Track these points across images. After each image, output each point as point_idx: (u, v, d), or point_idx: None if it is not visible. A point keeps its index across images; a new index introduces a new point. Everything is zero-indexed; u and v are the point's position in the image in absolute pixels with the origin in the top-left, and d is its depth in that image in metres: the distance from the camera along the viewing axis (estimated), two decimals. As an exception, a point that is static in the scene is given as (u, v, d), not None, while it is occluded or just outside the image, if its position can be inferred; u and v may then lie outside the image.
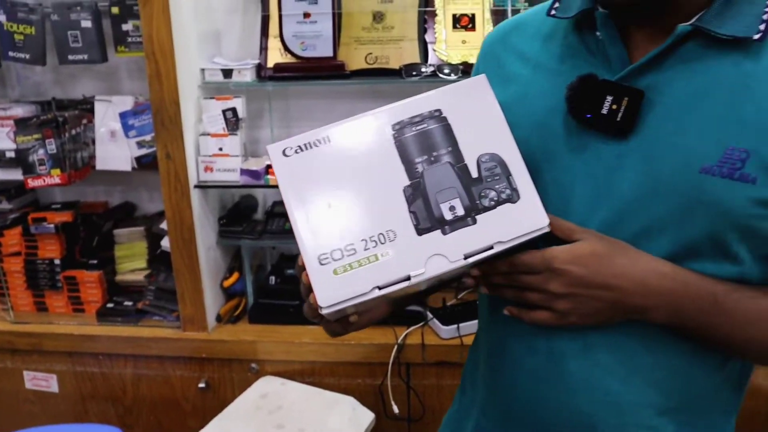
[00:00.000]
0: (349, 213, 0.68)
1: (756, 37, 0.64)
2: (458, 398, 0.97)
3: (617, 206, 0.69)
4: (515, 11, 1.68)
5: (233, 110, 1.69)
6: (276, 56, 1.76)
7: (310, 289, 0.68)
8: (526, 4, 1.70)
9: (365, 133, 0.71)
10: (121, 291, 1.93)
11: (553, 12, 0.76)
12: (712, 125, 0.66)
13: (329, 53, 1.70)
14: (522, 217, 0.68)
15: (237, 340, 1.76)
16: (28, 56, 1.75)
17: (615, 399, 0.73)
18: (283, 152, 0.70)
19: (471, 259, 0.67)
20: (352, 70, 1.73)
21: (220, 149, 1.70)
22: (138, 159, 1.77)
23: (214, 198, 1.83)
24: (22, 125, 1.75)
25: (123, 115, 1.74)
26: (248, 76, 1.72)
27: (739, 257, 0.68)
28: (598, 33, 0.72)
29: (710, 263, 0.68)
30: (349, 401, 1.59)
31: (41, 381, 1.89)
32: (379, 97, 1.70)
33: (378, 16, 1.75)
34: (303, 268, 0.68)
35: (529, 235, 0.68)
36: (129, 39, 1.74)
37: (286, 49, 1.71)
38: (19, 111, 1.84)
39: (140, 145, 1.76)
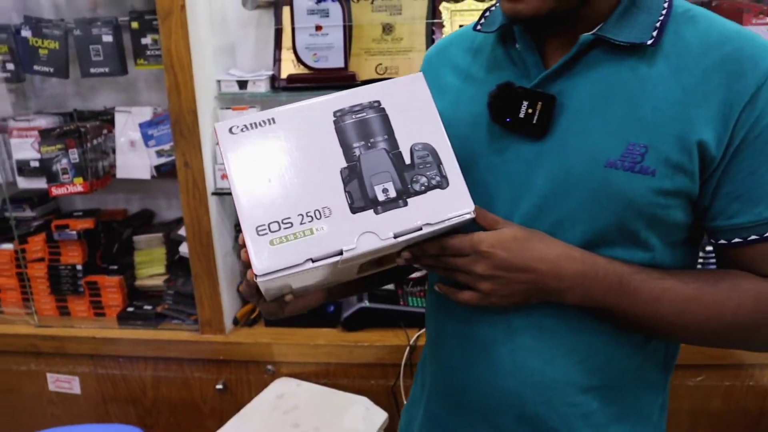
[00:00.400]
0: (288, 188, 0.71)
1: (649, 42, 0.72)
2: (412, 390, 1.04)
3: (535, 200, 0.76)
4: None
5: (249, 120, 1.75)
6: (289, 67, 1.81)
7: (247, 267, 0.71)
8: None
9: (308, 117, 0.75)
10: (141, 295, 1.99)
11: (479, 27, 0.84)
12: (614, 124, 0.73)
13: (340, 64, 1.76)
14: (450, 202, 0.72)
15: (253, 342, 1.81)
16: (51, 69, 1.82)
17: (540, 378, 0.80)
18: (230, 130, 0.74)
19: (401, 239, 0.71)
20: (363, 80, 1.78)
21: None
22: (157, 167, 1.83)
23: (231, 205, 1.88)
24: (45, 136, 1.81)
25: (143, 126, 1.81)
26: (263, 87, 1.78)
27: (649, 244, 0.75)
28: (517, 45, 0.79)
29: (622, 250, 0.75)
30: (363, 401, 1.63)
31: (64, 383, 1.96)
32: (389, 106, 1.76)
33: (387, 28, 1.80)
34: (243, 246, 0.72)
35: (455, 219, 0.72)
36: (148, 52, 1.81)
37: (299, 60, 1.77)
38: (42, 122, 1.91)
39: (159, 154, 1.83)
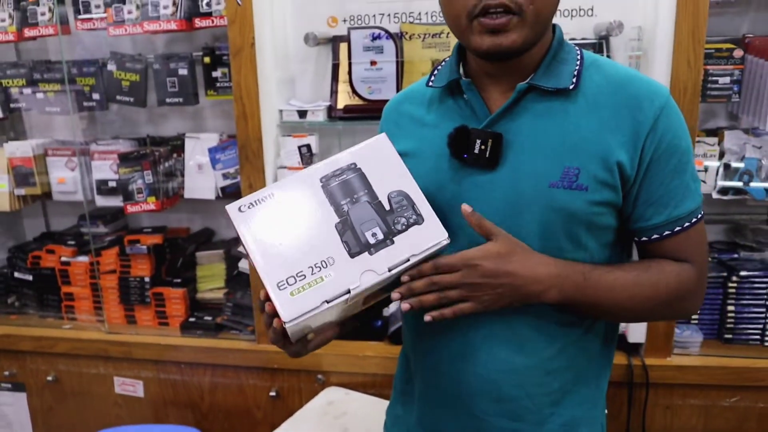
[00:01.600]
0: (296, 247, 0.86)
1: (571, 87, 0.93)
2: (394, 402, 1.18)
3: (495, 220, 0.91)
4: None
5: (308, 146, 1.91)
6: (345, 98, 1.97)
7: (271, 318, 0.87)
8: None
9: (300, 186, 0.90)
10: (202, 307, 2.15)
11: (430, 83, 1.03)
12: (552, 152, 0.92)
13: (393, 96, 1.91)
14: (428, 235, 0.88)
15: (305, 353, 1.94)
16: (132, 99, 2.02)
17: (512, 366, 0.97)
18: (239, 209, 0.89)
19: (394, 271, 0.86)
20: (413, 112, 1.93)
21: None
22: (222, 189, 2.00)
23: (287, 224, 2.04)
24: (124, 158, 2.01)
25: (211, 150, 1.98)
26: (320, 116, 1.94)
27: (589, 246, 0.95)
28: (465, 95, 0.97)
29: (568, 252, 0.94)
30: (408, 410, 1.74)
31: (129, 386, 2.12)
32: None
33: (436, 64, 1.95)
34: (263, 302, 0.87)
35: (435, 247, 0.88)
36: (218, 84, 1.99)
37: (355, 92, 1.93)
38: (120, 147, 2.11)
39: (225, 176, 2.00)
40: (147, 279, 2.11)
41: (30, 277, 2.24)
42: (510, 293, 0.89)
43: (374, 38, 1.88)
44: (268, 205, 0.89)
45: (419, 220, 0.89)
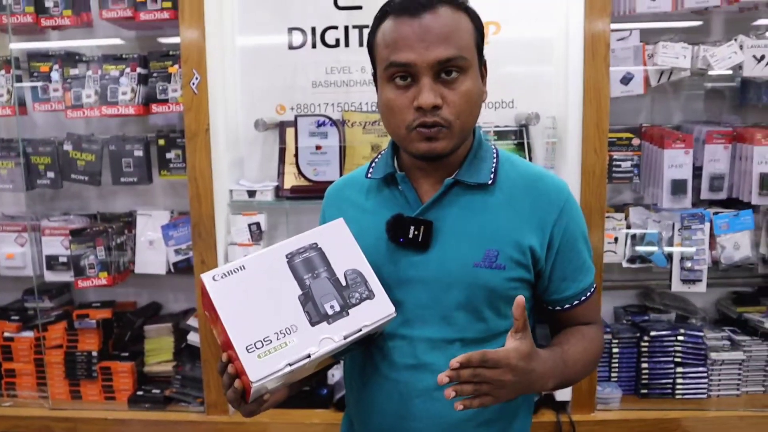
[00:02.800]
0: (263, 315, 0.96)
1: (489, 182, 1.10)
2: None
3: (429, 294, 1.08)
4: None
5: (257, 224, 2.04)
6: (291, 179, 2.13)
7: (233, 378, 0.95)
8: (495, 137, 2.11)
9: (268, 260, 1.01)
10: (150, 380, 2.18)
11: (369, 175, 1.17)
12: (475, 237, 1.07)
13: (336, 177, 2.07)
14: (378, 308, 1.01)
15: (254, 422, 1.99)
16: (86, 178, 2.10)
17: (448, 420, 1.08)
18: (213, 278, 0.98)
19: (348, 339, 0.98)
20: (356, 191, 2.10)
21: (245, 256, 2.03)
22: (174, 264, 2.09)
23: (237, 297, 2.13)
24: (76, 234, 2.07)
25: (164, 227, 2.08)
26: (269, 196, 2.08)
27: (508, 315, 1.04)
28: (399, 187, 1.12)
29: (492, 321, 1.08)
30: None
31: (72, 464, 2.10)
32: (378, 213, 2.07)
33: (375, 147, 2.14)
34: (225, 364, 0.97)
35: (384, 319, 1.01)
36: (171, 165, 2.11)
37: (301, 173, 2.09)
38: (71, 223, 2.17)
39: (177, 252, 2.09)
40: (95, 353, 2.13)
41: (-32, 354, 2.22)
42: (525, 388, 0.98)
43: (319, 125, 2.06)
44: (239, 276, 0.98)
45: (371, 295, 1.02)
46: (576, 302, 1.15)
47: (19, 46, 2.16)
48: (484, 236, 1.08)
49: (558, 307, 1.15)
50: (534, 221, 1.09)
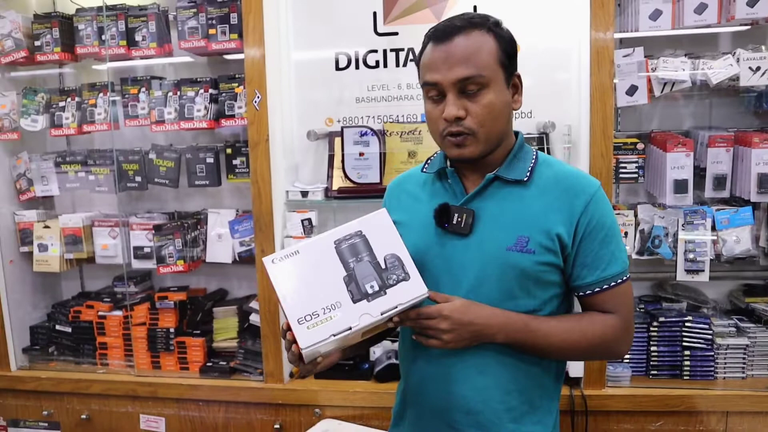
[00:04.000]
0: (312, 293, 1.10)
1: (525, 179, 1.25)
2: (392, 427, 1.45)
3: (469, 274, 1.22)
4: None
5: (309, 220, 2.37)
6: (338, 182, 2.45)
7: (291, 343, 1.11)
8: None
9: (318, 247, 1.15)
10: (217, 354, 2.54)
11: (424, 169, 1.36)
12: (509, 225, 1.22)
13: (377, 180, 2.39)
14: (412, 289, 1.14)
15: (305, 389, 2.33)
16: (167, 182, 2.50)
17: (479, 386, 1.24)
18: (272, 260, 1.13)
19: (385, 315, 1.11)
20: (393, 191, 2.40)
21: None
22: (239, 254, 2.45)
23: (291, 283, 2.46)
24: (158, 229, 2.46)
25: (231, 223, 2.44)
26: (319, 196, 2.41)
27: (537, 296, 1.23)
28: (449, 180, 1.28)
29: (522, 301, 1.23)
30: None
31: (152, 422, 2.47)
32: (412, 210, 2.37)
33: (411, 154, 2.44)
34: (285, 330, 1.13)
35: (417, 299, 1.14)
36: (237, 170, 2.47)
37: (347, 177, 2.41)
38: (154, 219, 2.56)
39: (241, 244, 2.45)
40: (172, 330, 2.50)
41: (69, 329, 2.64)
42: (468, 336, 1.17)
43: (362, 135, 2.38)
44: (293, 260, 1.14)
45: (407, 277, 1.14)
46: (597, 289, 1.24)
47: (113, 64, 2.58)
48: (516, 224, 1.21)
49: (580, 293, 1.26)
50: (562, 211, 1.21)
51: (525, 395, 1.27)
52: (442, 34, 1.20)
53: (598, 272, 1.24)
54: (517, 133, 1.31)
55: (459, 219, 1.23)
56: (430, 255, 1.25)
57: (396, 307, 1.12)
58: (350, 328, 1.10)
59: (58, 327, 2.67)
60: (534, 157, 1.29)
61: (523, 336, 1.21)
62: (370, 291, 1.12)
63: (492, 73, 1.19)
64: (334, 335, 1.09)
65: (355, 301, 1.11)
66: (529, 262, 1.20)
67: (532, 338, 1.21)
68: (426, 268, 1.21)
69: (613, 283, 1.24)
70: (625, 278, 1.26)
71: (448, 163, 1.30)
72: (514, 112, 1.28)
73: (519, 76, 1.26)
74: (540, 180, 1.26)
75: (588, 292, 1.25)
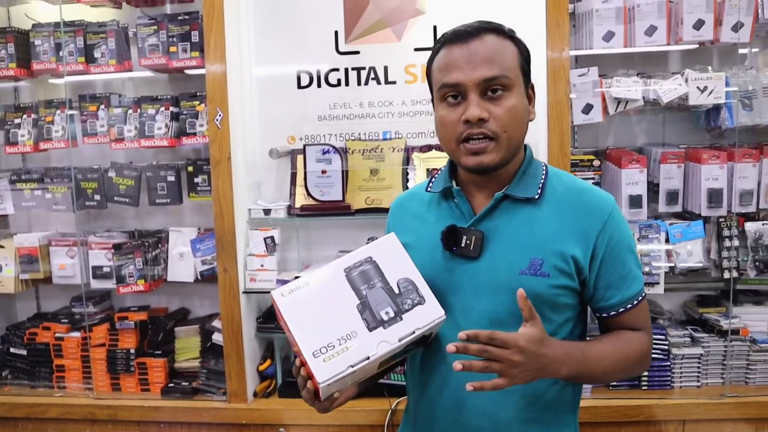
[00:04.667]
0: (326, 324, 1.06)
1: (536, 196, 1.18)
2: None
3: (480, 299, 1.15)
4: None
5: (272, 238, 2.37)
6: (301, 199, 2.45)
7: (305, 380, 1.05)
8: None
9: (328, 276, 1.11)
10: (179, 375, 2.50)
11: (429, 189, 1.29)
12: (521, 247, 1.15)
13: (339, 197, 2.40)
14: (428, 313, 1.10)
15: (270, 409, 2.31)
16: (127, 200, 2.46)
17: (494, 417, 1.17)
18: (281, 294, 1.10)
19: (403, 341, 1.06)
20: (356, 209, 2.41)
21: (262, 265, 2.35)
22: (201, 273, 2.43)
23: (255, 301, 2.46)
24: (118, 248, 2.42)
25: (193, 241, 2.42)
26: (282, 214, 2.41)
27: (552, 320, 1.17)
28: (456, 200, 1.22)
29: None
30: (354, 451, 2.10)
31: (113, 447, 2.42)
32: (375, 228, 2.39)
33: (374, 171, 2.46)
34: (299, 368, 1.06)
35: (435, 322, 1.09)
36: (198, 188, 2.46)
37: (309, 194, 2.41)
38: (113, 238, 2.52)
39: (203, 262, 2.43)
40: (132, 351, 2.46)
41: (24, 352, 2.56)
42: (538, 372, 1.04)
43: (324, 152, 2.40)
44: (303, 292, 1.10)
45: (422, 300, 1.10)
46: (622, 309, 1.19)
47: (71, 79, 2.54)
48: (529, 246, 1.14)
49: (605, 314, 1.21)
50: (578, 232, 1.15)
51: (542, 423, 1.21)
52: (462, 35, 1.14)
53: (623, 292, 1.20)
54: (525, 147, 1.24)
55: (468, 241, 1.16)
56: (438, 279, 1.18)
57: (414, 333, 1.08)
58: (368, 358, 1.05)
59: (12, 350, 2.59)
60: (544, 171, 1.23)
61: (583, 366, 1.12)
62: (385, 318, 1.08)
63: (515, 75, 1.14)
64: (353, 366, 1.04)
65: (371, 329, 1.07)
66: (543, 286, 1.14)
67: (589, 367, 1.14)
68: (435, 292, 1.14)
69: (635, 302, 1.21)
70: (644, 294, 1.23)
71: (454, 182, 1.24)
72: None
73: (533, 87, 1.23)
74: (552, 197, 1.19)
75: (613, 313, 1.21)
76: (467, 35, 1.13)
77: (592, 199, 1.19)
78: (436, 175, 1.31)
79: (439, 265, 1.19)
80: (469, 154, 1.13)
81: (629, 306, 1.20)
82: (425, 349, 1.22)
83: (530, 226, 1.17)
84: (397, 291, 1.11)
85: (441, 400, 1.21)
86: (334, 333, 1.06)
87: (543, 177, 1.21)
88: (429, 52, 1.24)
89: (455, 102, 1.14)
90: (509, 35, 1.17)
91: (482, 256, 1.16)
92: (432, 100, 1.22)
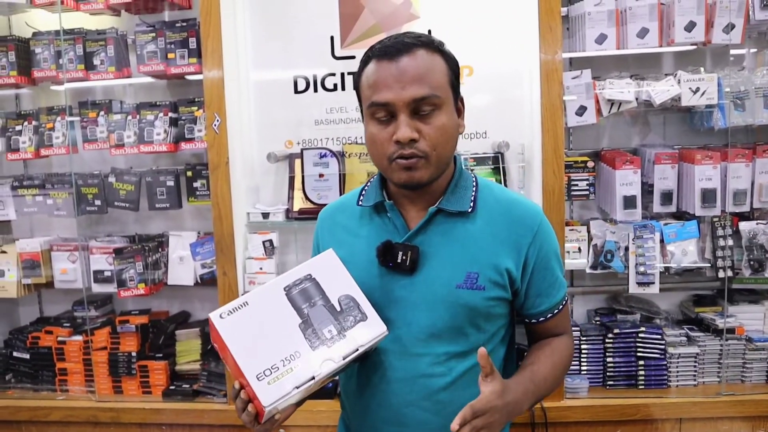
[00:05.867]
0: (268, 345, 1.04)
1: (469, 209, 1.19)
2: None
3: (417, 314, 1.17)
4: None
5: (270, 241, 2.40)
6: (299, 203, 2.47)
7: (245, 404, 1.03)
8: (474, 163, 2.44)
9: (268, 296, 1.10)
10: (180, 377, 2.53)
11: (360, 202, 1.27)
12: (457, 260, 1.17)
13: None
14: (371, 329, 1.10)
15: (268, 410, 2.33)
16: (127, 205, 2.49)
17: (433, 426, 1.18)
18: (220, 315, 1.06)
19: (348, 359, 1.06)
20: (354, 211, 2.44)
21: (260, 268, 2.38)
22: (201, 276, 2.45)
23: (253, 304, 2.47)
24: (119, 253, 2.45)
25: (192, 245, 2.45)
26: (280, 217, 2.43)
27: (486, 330, 1.20)
28: (388, 214, 1.22)
29: (473, 337, 1.18)
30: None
31: (115, 449, 2.45)
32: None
33: (371, 174, 2.44)
34: (238, 390, 1.04)
35: (378, 338, 1.10)
36: (197, 192, 2.49)
37: (307, 198, 2.44)
38: (114, 243, 2.55)
39: (203, 266, 2.46)
40: (134, 354, 2.49)
41: (27, 356, 2.59)
42: (508, 417, 1.08)
43: (322, 156, 2.42)
44: (243, 312, 1.08)
45: (364, 317, 1.10)
46: (550, 315, 1.25)
47: (71, 86, 2.57)
48: (465, 260, 1.16)
49: (534, 320, 1.26)
50: (510, 244, 1.18)
51: None
52: (391, 51, 1.12)
53: (551, 299, 1.25)
54: (455, 158, 1.25)
55: (404, 257, 1.16)
56: (376, 294, 1.18)
57: (357, 350, 1.09)
58: (313, 378, 1.04)
59: (15, 354, 2.62)
60: (474, 183, 1.25)
61: (536, 394, 1.18)
62: (328, 336, 1.08)
63: (445, 93, 1.13)
64: (297, 387, 1.03)
65: (314, 348, 1.06)
66: (479, 298, 1.17)
67: (540, 392, 1.19)
68: (374, 307, 1.15)
69: (561, 306, 1.27)
70: (566, 299, 1.28)
71: (385, 194, 1.24)
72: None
73: (462, 100, 1.23)
74: (484, 209, 1.22)
75: (542, 319, 1.26)
76: (396, 52, 1.11)
77: (523, 211, 1.22)
78: (367, 188, 1.30)
79: (376, 280, 1.19)
80: (401, 170, 1.13)
81: (556, 311, 1.26)
82: (363, 362, 1.22)
83: (464, 239, 1.18)
84: (338, 308, 1.11)
85: (382, 412, 1.22)
86: (276, 354, 1.04)
87: (474, 189, 1.23)
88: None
89: (385, 120, 1.13)
90: (438, 49, 1.16)
91: (418, 271, 1.17)
92: (361, 111, 1.21)
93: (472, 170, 1.35)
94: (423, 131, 1.11)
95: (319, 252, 1.25)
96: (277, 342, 1.05)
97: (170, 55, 2.38)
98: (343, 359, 1.06)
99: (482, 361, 1.04)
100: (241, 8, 2.45)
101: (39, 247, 2.55)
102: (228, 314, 1.07)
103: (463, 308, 1.16)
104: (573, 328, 2.35)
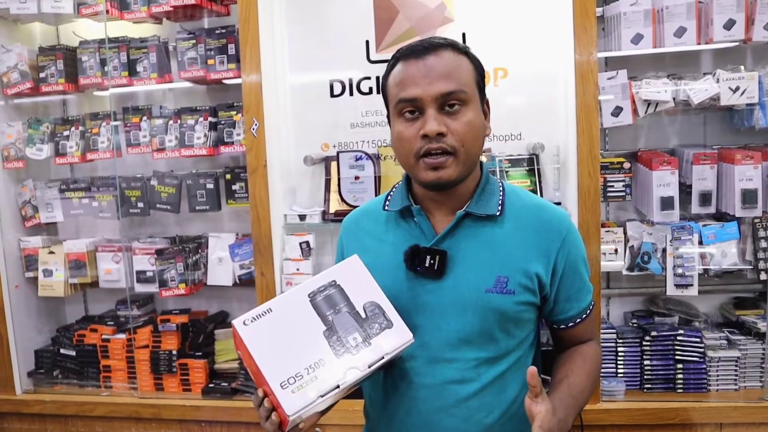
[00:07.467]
0: (292, 353, 1.01)
1: (497, 213, 1.19)
2: None
3: (446, 319, 1.15)
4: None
5: (307, 242, 2.43)
6: (335, 205, 2.51)
7: (269, 412, 1.01)
8: (509, 164, 2.45)
9: (292, 302, 1.07)
10: (219, 375, 2.59)
11: (386, 207, 1.25)
12: (486, 265, 1.16)
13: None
14: (397, 336, 1.07)
15: (305, 408, 2.37)
16: (169, 207, 2.56)
17: (465, 429, 1.16)
18: (243, 322, 1.04)
19: (373, 367, 1.03)
20: (388, 213, 2.46)
21: (297, 269, 2.42)
22: (239, 277, 2.51)
23: (290, 304, 2.52)
24: (161, 254, 2.52)
25: (231, 246, 2.51)
26: (316, 219, 2.47)
27: (516, 335, 1.19)
28: (415, 219, 1.21)
29: (503, 343, 1.17)
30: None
31: (156, 445, 2.52)
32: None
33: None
34: (261, 399, 1.02)
35: (403, 346, 1.08)
36: (236, 195, 2.54)
37: (343, 200, 2.47)
38: (156, 244, 2.63)
39: (241, 267, 2.51)
40: (174, 352, 2.55)
41: (73, 353, 2.68)
42: None
43: (357, 159, 2.45)
44: (267, 319, 1.05)
45: (390, 324, 1.08)
46: (579, 320, 1.25)
47: (115, 91, 2.66)
48: (494, 264, 1.15)
49: (563, 326, 1.26)
50: (539, 249, 1.18)
51: None
52: (418, 49, 1.13)
53: (579, 303, 1.25)
54: (481, 164, 1.24)
55: (432, 261, 1.15)
56: (403, 300, 1.16)
57: (383, 358, 1.06)
58: (338, 386, 1.02)
59: (62, 351, 2.72)
60: (501, 188, 1.24)
61: (576, 408, 1.17)
62: (353, 343, 1.05)
63: (471, 91, 1.14)
64: (322, 396, 1.01)
65: (338, 356, 1.04)
66: (509, 303, 1.15)
67: (577, 404, 1.17)
68: (400, 314, 1.13)
69: (588, 311, 1.26)
70: (593, 304, 1.28)
71: (411, 197, 1.23)
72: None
73: (488, 103, 1.22)
74: (512, 214, 1.21)
75: (570, 324, 1.26)
76: (423, 51, 1.12)
77: (551, 216, 1.22)
78: (392, 193, 1.29)
79: (403, 285, 1.17)
80: (429, 169, 1.11)
81: (584, 316, 1.26)
82: (389, 369, 1.21)
83: (493, 243, 1.17)
84: (363, 315, 1.08)
85: (410, 420, 1.20)
86: (301, 362, 1.02)
87: (501, 194, 1.22)
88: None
89: (412, 117, 1.13)
90: (464, 51, 1.17)
91: (446, 275, 1.16)
92: (388, 116, 1.21)
93: (507, 172, 1.35)
94: (451, 126, 1.11)
95: (342, 259, 1.23)
96: (301, 349, 1.03)
97: (210, 61, 2.44)
98: (369, 367, 1.04)
99: (532, 381, 1.02)
100: (278, 14, 2.50)
101: (85, 248, 2.64)
102: (252, 321, 1.05)
103: (493, 313, 1.14)
104: (609, 331, 2.35)
